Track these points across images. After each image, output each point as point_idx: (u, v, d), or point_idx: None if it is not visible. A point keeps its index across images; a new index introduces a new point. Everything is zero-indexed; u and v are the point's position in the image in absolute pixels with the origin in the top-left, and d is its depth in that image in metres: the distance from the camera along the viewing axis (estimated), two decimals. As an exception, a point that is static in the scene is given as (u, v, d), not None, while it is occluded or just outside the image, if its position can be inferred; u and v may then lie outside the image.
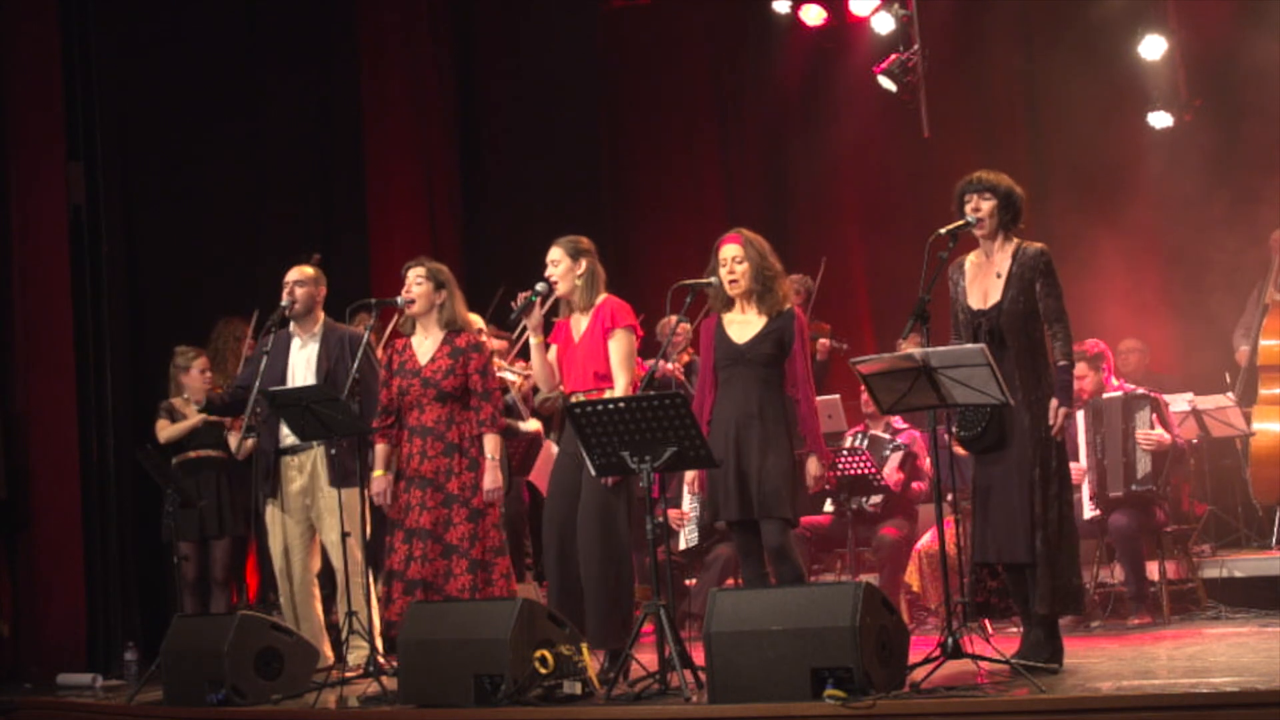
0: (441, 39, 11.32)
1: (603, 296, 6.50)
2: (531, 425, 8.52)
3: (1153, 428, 7.73)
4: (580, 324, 6.50)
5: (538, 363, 6.58)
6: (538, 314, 6.48)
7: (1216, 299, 9.36)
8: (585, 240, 6.56)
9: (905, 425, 8.46)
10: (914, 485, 8.29)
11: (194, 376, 8.29)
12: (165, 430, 8.35)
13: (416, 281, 6.88)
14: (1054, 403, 5.83)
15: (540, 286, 6.46)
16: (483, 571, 6.70)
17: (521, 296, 6.44)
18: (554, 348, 6.57)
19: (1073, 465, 7.55)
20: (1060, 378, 5.87)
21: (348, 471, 7.06)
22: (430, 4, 11.23)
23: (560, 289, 6.50)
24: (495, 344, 8.23)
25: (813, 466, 6.15)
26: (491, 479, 6.72)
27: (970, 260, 6.10)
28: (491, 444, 6.76)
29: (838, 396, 8.97)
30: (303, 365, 7.35)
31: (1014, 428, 5.88)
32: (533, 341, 6.54)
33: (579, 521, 6.34)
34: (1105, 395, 7.87)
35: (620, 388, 6.34)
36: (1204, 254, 9.38)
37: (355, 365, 7.02)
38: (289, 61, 10.28)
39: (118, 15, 9.13)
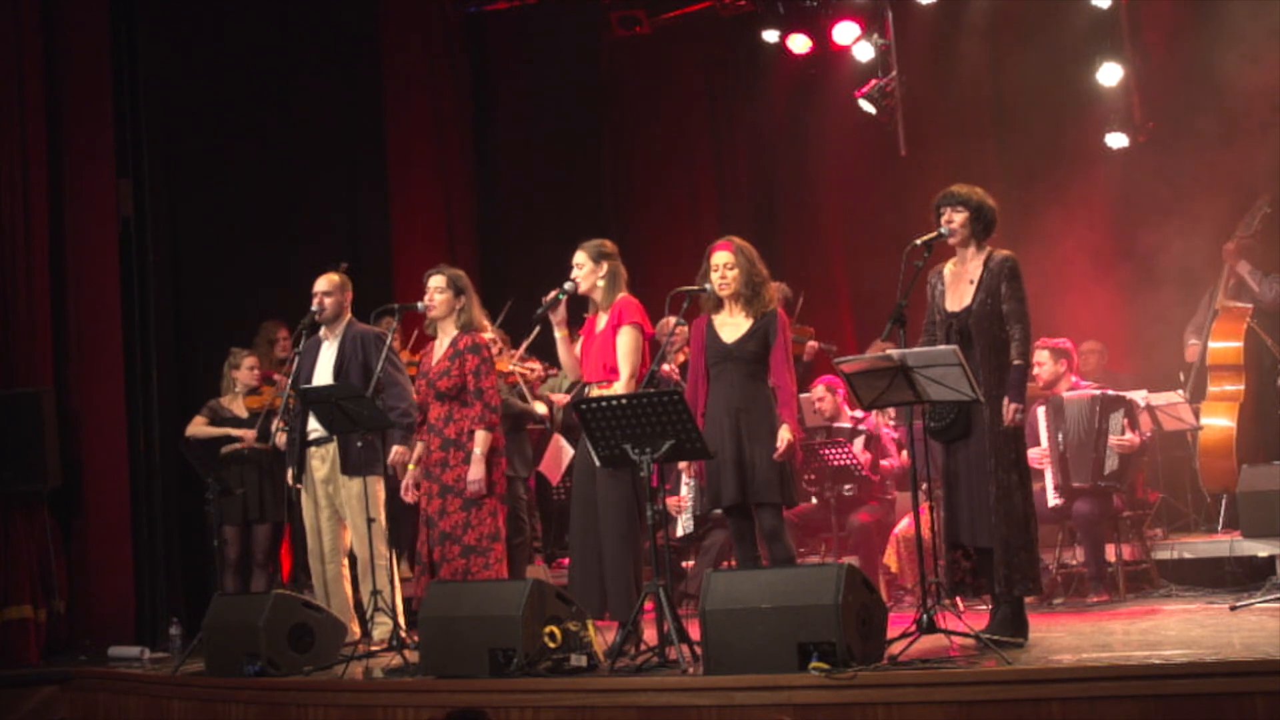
0: (459, 66, 11.33)
1: (620, 295, 6.50)
2: (540, 408, 8.53)
3: (1124, 431, 7.73)
4: (600, 321, 6.52)
5: (564, 354, 6.60)
6: (561, 310, 6.49)
7: (1169, 304, 9.35)
8: (609, 244, 6.58)
9: (861, 415, 8.45)
10: (881, 464, 8.29)
11: (244, 373, 8.45)
12: (195, 427, 8.39)
13: (438, 289, 6.90)
14: (1005, 399, 5.83)
15: (566, 286, 6.47)
16: (478, 556, 6.70)
17: (549, 296, 6.46)
18: (580, 340, 6.60)
19: (1032, 452, 7.57)
20: (1014, 376, 5.87)
21: (361, 461, 7.07)
22: (448, 33, 11.24)
23: (582, 288, 6.51)
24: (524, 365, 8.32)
25: (784, 432, 6.11)
26: (475, 472, 6.70)
27: (949, 268, 6.12)
28: (481, 439, 6.74)
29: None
30: (324, 363, 7.37)
31: (977, 421, 5.90)
32: (558, 335, 6.56)
33: (600, 506, 6.34)
34: (1069, 394, 7.85)
35: (623, 378, 6.35)
36: (1158, 263, 9.36)
37: (380, 365, 7.03)
38: (319, 86, 10.28)
39: (162, 44, 9.14)
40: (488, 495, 6.75)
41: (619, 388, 6.29)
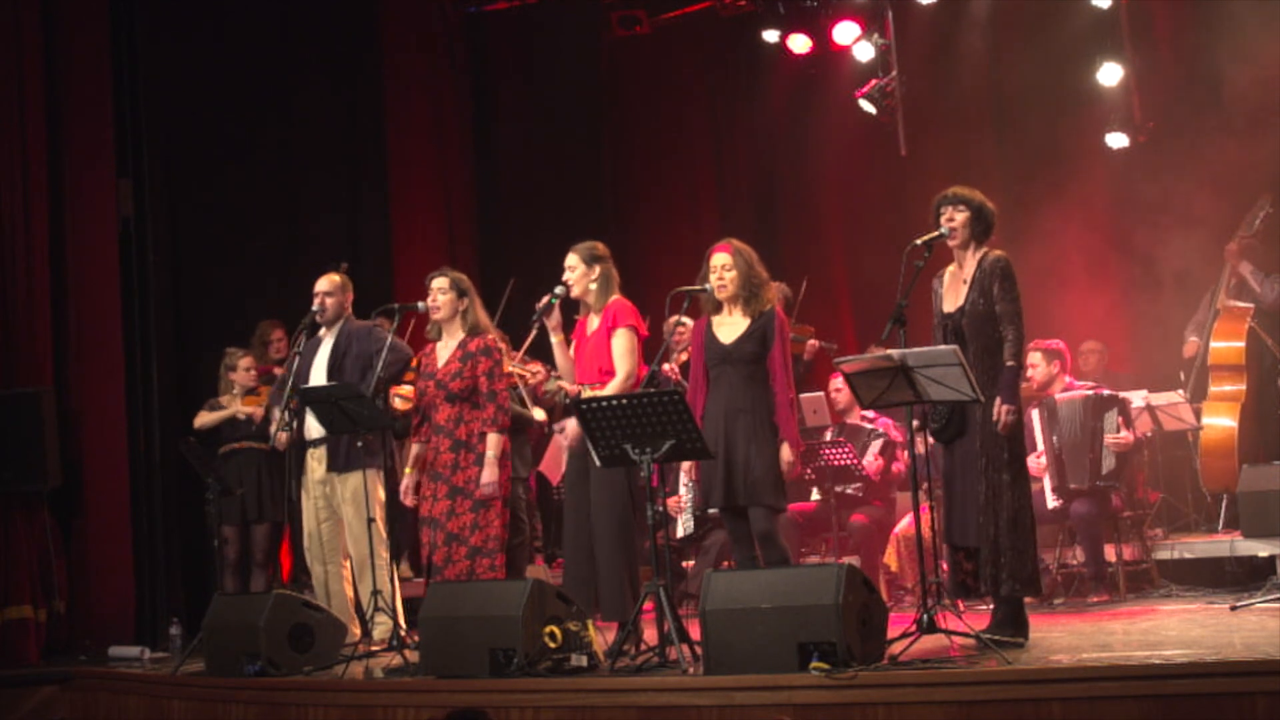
0: (459, 65, 11.34)
1: (614, 298, 6.49)
2: (538, 414, 8.53)
3: (1118, 429, 7.73)
4: (592, 323, 6.52)
5: (560, 358, 6.60)
6: (556, 315, 6.49)
7: (1169, 304, 9.36)
8: (601, 246, 6.56)
9: (874, 415, 8.45)
10: (894, 468, 8.29)
11: (240, 374, 8.47)
12: (200, 418, 8.42)
13: (441, 290, 6.90)
14: (997, 400, 5.82)
15: (559, 290, 6.47)
16: (483, 558, 6.70)
17: (542, 301, 6.46)
18: (574, 343, 6.59)
19: (1030, 459, 7.57)
20: (1006, 377, 5.85)
21: (354, 457, 7.08)
22: (449, 33, 11.24)
23: (575, 292, 6.50)
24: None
25: (785, 453, 6.11)
26: (488, 474, 6.70)
27: (948, 271, 6.12)
28: (493, 442, 6.74)
29: (822, 394, 8.95)
30: (320, 362, 7.37)
31: (971, 420, 5.89)
32: (554, 340, 6.55)
33: (593, 507, 6.34)
34: (1062, 395, 7.86)
35: (620, 377, 6.34)
36: (1158, 263, 9.38)
37: (380, 364, 7.03)
38: (319, 85, 10.30)
39: (162, 44, 9.15)
40: (496, 497, 6.76)
41: (613, 388, 6.28)
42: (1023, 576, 5.85)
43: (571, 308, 6.61)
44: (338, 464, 7.16)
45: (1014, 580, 5.83)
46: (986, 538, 5.83)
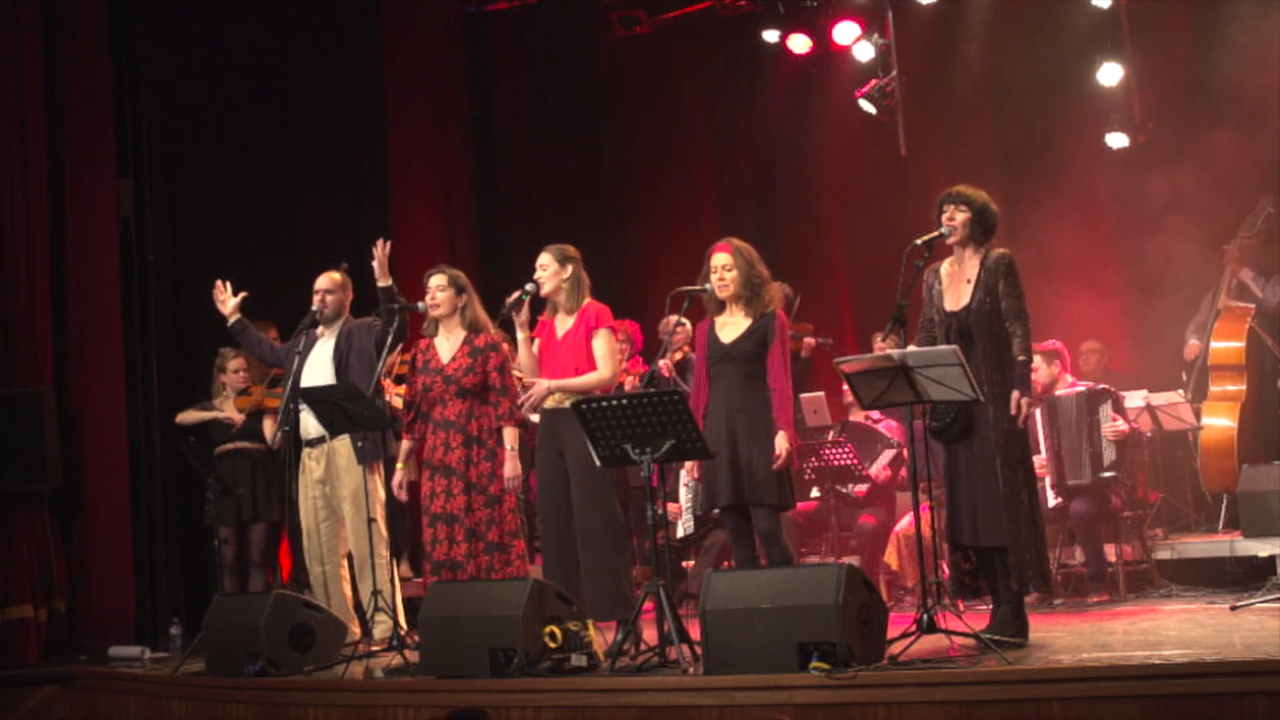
0: (460, 63, 11.33)
1: (587, 301, 6.57)
2: (534, 418, 8.53)
3: (1113, 420, 7.75)
4: (564, 323, 6.56)
5: (524, 355, 6.64)
6: (525, 311, 6.54)
7: (1170, 304, 9.36)
8: (572, 249, 6.63)
9: (880, 416, 8.45)
10: (902, 473, 8.28)
11: (230, 375, 8.49)
12: (182, 414, 8.42)
13: (440, 288, 6.92)
14: (1015, 394, 5.82)
15: (529, 287, 6.53)
16: (500, 553, 6.72)
17: (512, 296, 6.51)
18: (538, 341, 6.62)
19: (1035, 459, 7.57)
20: (1020, 371, 5.87)
21: (365, 453, 7.07)
22: (450, 32, 11.23)
23: (546, 290, 6.56)
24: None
25: (780, 440, 6.10)
26: (511, 468, 6.73)
27: (945, 268, 6.12)
28: (510, 436, 6.77)
29: (822, 394, 8.95)
30: (320, 361, 7.37)
31: (980, 419, 5.89)
32: (519, 336, 6.60)
33: (577, 506, 6.35)
34: (1060, 392, 7.87)
35: (605, 375, 6.44)
36: (1158, 263, 9.38)
37: (381, 362, 7.03)
38: (319, 86, 10.29)
39: (162, 44, 9.16)
40: (507, 492, 6.79)
41: (588, 381, 6.38)
42: (1044, 573, 5.89)
43: (536, 308, 6.64)
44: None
45: (1040, 578, 5.86)
46: (1010, 536, 5.82)
